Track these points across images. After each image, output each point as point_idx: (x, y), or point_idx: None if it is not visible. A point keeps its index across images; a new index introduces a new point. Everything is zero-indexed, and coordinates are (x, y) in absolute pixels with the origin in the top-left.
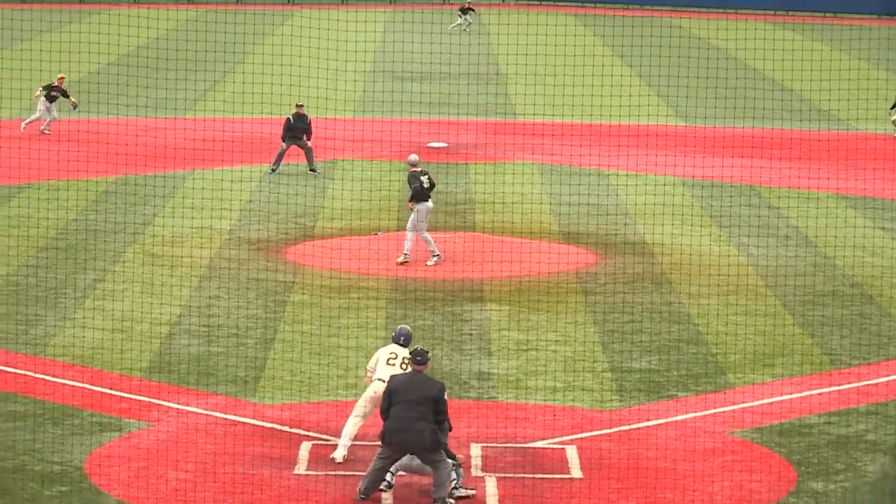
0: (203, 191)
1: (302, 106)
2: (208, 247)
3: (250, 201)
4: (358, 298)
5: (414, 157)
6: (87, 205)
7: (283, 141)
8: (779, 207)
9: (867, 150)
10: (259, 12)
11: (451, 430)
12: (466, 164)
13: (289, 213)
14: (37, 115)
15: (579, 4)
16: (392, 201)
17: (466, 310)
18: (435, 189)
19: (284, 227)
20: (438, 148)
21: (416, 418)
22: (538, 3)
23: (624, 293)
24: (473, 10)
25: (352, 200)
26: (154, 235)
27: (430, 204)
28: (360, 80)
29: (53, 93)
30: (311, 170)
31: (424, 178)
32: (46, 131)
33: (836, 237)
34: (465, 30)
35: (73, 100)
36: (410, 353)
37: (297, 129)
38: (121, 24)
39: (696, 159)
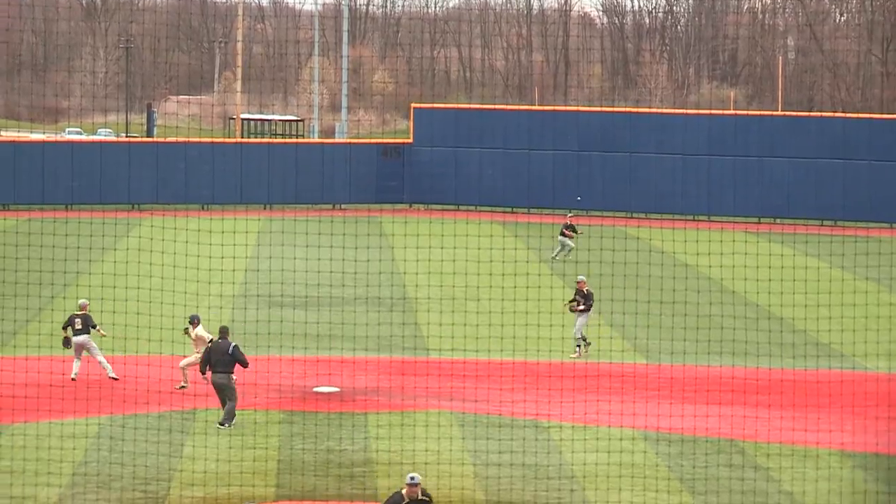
0: (24, 450)
1: (225, 330)
2: None
3: (85, 463)
4: None
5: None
6: None
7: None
8: (768, 468)
9: (879, 394)
10: (97, 220)
11: None
12: (365, 413)
13: (135, 478)
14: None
15: (508, 210)
16: (269, 462)
17: None
18: None
19: (129, 496)
20: (328, 394)
21: None
22: (455, 207)
23: None
24: (576, 232)
25: (216, 461)
26: None
27: None
28: (227, 305)
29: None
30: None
31: None
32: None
33: None
34: (567, 256)
35: (101, 331)
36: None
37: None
38: None
39: (661, 407)
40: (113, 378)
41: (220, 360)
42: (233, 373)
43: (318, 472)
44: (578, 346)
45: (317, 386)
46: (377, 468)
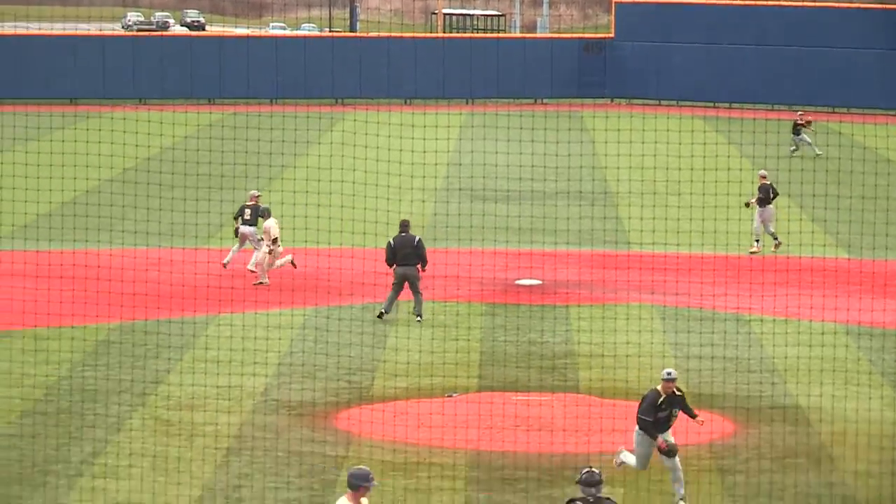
0: (230, 340)
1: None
2: (237, 411)
3: (290, 354)
4: (428, 478)
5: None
6: (82, 358)
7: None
8: None
9: None
10: (301, 115)
11: None
12: (566, 306)
13: (340, 368)
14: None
15: (710, 105)
16: (472, 353)
17: (569, 493)
18: None
19: (334, 386)
20: (531, 286)
21: None
22: (657, 102)
23: (772, 472)
24: (808, 127)
25: (419, 352)
26: (167, 397)
27: None
28: (430, 199)
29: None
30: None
31: None
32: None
33: None
34: (800, 151)
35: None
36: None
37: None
38: (125, 131)
39: (864, 301)
40: (252, 271)
41: (408, 252)
42: (418, 265)
43: (519, 364)
44: (757, 240)
45: (519, 278)
46: (579, 360)
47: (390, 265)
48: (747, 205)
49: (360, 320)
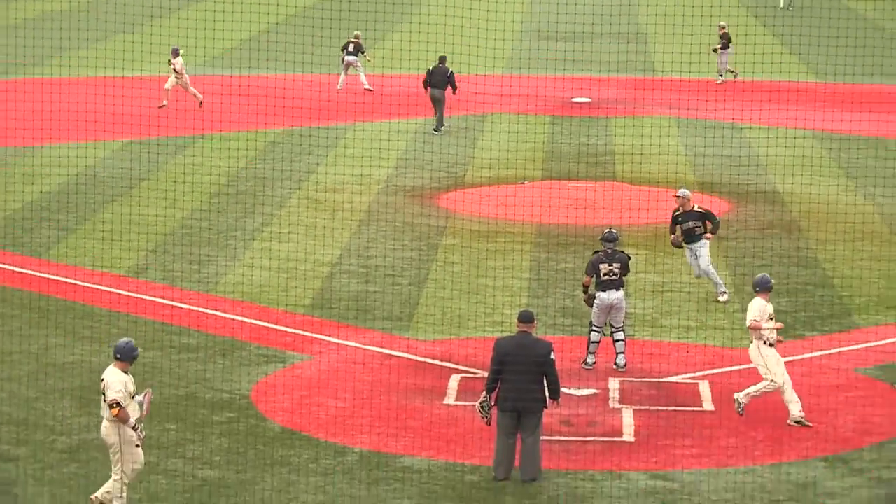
0: (363, 141)
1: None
2: (367, 193)
3: (406, 152)
4: (504, 242)
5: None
6: (255, 154)
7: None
8: None
9: None
10: None
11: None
12: (608, 118)
13: (441, 162)
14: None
15: None
16: (538, 152)
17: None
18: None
19: (437, 175)
20: (582, 103)
21: (529, 381)
22: None
23: (755, 239)
24: None
25: (500, 151)
26: (317, 183)
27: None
28: (511, 38)
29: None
30: (434, 129)
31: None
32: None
33: None
34: (791, 6)
35: (367, 58)
36: (519, 314)
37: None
38: None
39: (828, 114)
40: (368, 90)
41: (440, 80)
42: (445, 90)
43: (572, 160)
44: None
45: (574, 97)
46: (616, 157)
47: (426, 88)
48: (715, 51)
49: (457, 128)
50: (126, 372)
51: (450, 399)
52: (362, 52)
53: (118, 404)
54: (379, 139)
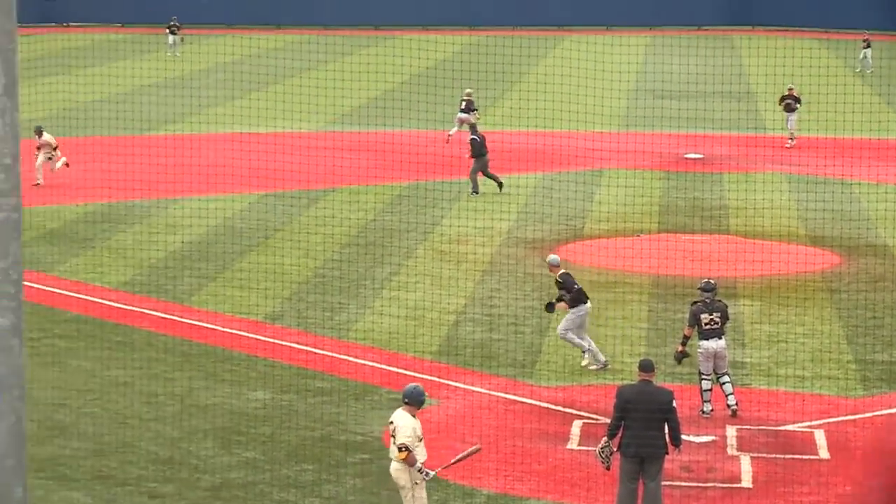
0: (485, 195)
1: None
2: (490, 245)
3: (526, 205)
4: (622, 293)
5: (554, 257)
6: (383, 206)
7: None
8: None
9: None
10: (532, 38)
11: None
12: (721, 173)
13: (560, 215)
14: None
15: (822, 30)
16: (653, 206)
17: None
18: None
19: (557, 228)
20: (695, 159)
21: (652, 427)
22: (783, 28)
23: (867, 291)
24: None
25: (616, 205)
26: (442, 234)
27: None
28: (625, 97)
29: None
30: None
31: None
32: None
33: None
34: (867, 69)
35: (476, 115)
36: (640, 363)
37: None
38: (412, 48)
39: None
40: (448, 137)
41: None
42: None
43: (686, 214)
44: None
45: (687, 153)
46: (729, 211)
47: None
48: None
49: (574, 181)
50: (414, 416)
51: (572, 444)
52: (473, 110)
53: (406, 448)
54: (501, 193)
